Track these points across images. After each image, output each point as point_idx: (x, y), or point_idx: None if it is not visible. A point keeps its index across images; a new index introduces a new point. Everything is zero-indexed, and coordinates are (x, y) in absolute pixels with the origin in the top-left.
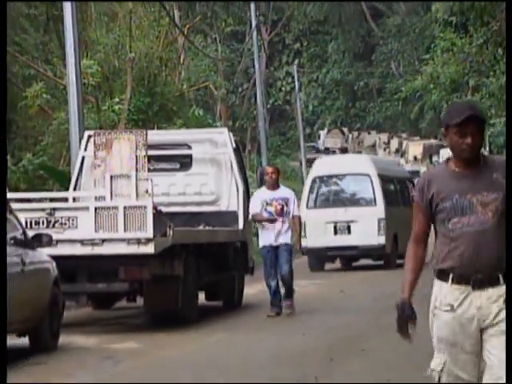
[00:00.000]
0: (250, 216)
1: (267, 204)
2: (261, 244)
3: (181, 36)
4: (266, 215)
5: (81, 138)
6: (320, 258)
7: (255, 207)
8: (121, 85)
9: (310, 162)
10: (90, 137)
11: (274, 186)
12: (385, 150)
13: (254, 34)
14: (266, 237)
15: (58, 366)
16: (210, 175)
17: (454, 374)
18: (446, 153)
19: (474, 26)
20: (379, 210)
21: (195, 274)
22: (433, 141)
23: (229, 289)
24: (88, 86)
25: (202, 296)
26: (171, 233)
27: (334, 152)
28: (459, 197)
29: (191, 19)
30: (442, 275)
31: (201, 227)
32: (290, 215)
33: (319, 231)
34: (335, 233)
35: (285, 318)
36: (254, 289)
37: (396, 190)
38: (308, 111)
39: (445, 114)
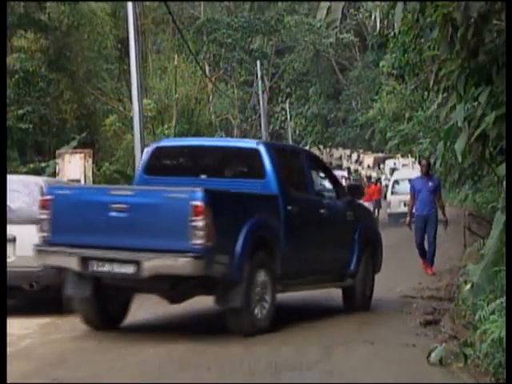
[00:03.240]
0: None
1: None
2: None
3: (210, 83)
4: None
5: (142, 152)
6: (397, 219)
7: None
8: (169, 116)
9: None
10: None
11: None
12: (347, 160)
13: (259, 81)
14: None
15: None
16: None
17: None
18: (390, 162)
19: (409, 76)
20: None
21: None
22: (380, 154)
23: None
24: (147, 117)
25: None
26: None
27: None
28: None
29: (217, 72)
30: None
31: None
32: None
33: (397, 205)
34: (404, 206)
35: None
36: None
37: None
38: (296, 134)
39: None
